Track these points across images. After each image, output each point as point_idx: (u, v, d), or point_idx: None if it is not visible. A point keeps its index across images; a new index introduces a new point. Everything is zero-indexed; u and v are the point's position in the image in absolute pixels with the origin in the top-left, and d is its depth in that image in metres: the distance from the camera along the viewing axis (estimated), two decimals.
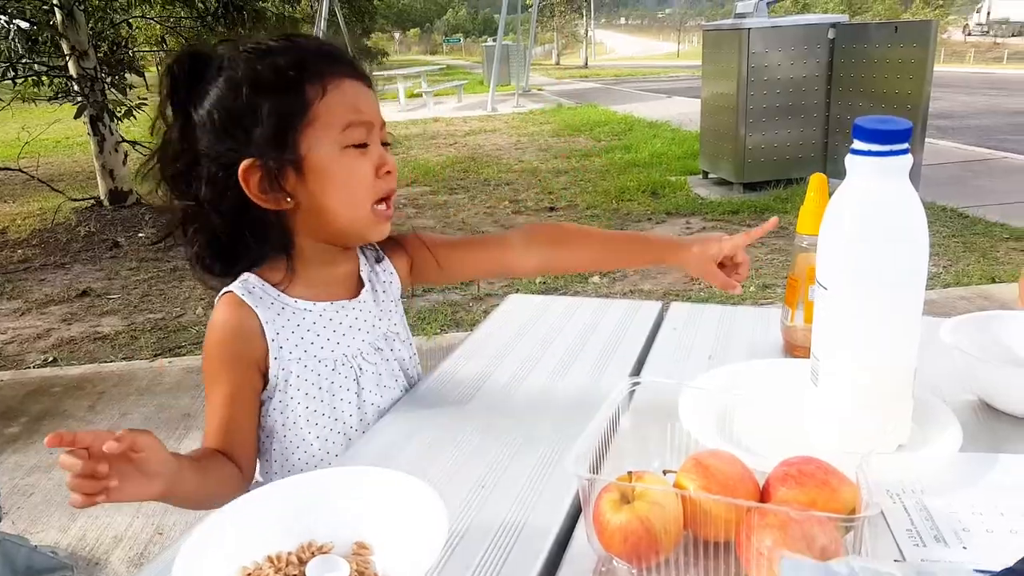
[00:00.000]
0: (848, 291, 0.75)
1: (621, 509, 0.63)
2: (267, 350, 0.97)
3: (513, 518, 0.74)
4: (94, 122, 6.40)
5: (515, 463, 0.85)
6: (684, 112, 11.16)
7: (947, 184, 6.15)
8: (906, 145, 0.72)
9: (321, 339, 1.01)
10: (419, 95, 15.94)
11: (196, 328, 3.88)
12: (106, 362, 3.48)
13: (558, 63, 37.56)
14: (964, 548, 0.67)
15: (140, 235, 5.85)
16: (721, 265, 1.10)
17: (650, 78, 22.81)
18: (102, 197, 6.70)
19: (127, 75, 6.55)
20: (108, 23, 6.96)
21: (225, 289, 0.99)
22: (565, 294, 4.14)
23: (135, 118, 6.24)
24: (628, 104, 13.95)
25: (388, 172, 0.97)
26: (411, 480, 0.68)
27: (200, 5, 6.71)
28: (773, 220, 1.10)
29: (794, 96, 6.08)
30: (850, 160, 0.74)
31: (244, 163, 0.92)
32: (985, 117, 11.60)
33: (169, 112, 0.96)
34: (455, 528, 0.73)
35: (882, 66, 5.69)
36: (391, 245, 1.14)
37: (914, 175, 0.77)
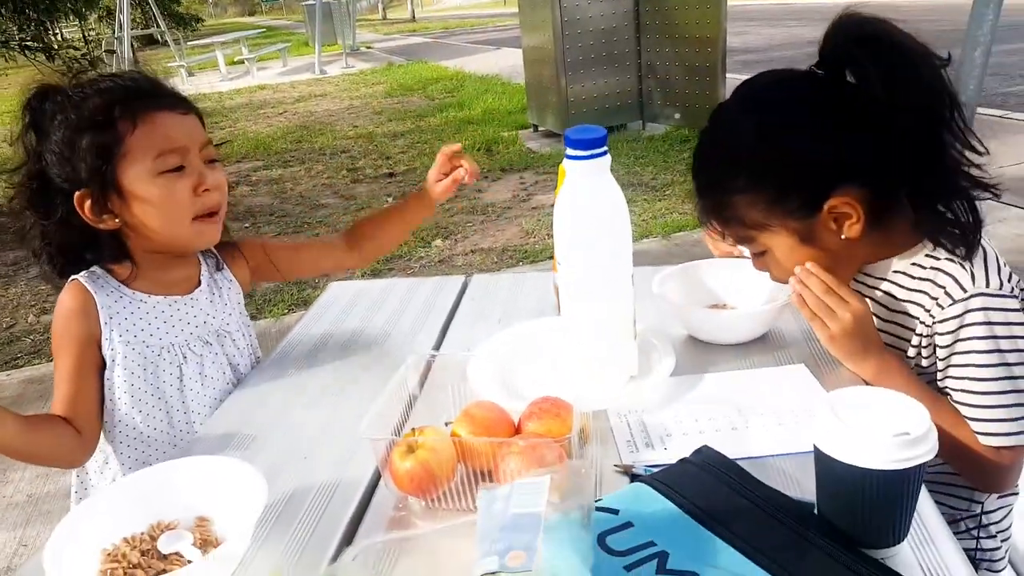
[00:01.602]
0: (573, 264, 0.97)
1: (407, 458, 0.82)
2: (101, 330, 1.13)
3: (330, 479, 0.92)
4: None
5: (332, 435, 1.02)
6: (513, 64, 11.37)
7: None
8: (604, 148, 0.93)
9: (151, 327, 1.17)
10: (241, 62, 15.21)
11: (31, 336, 3.71)
12: None
13: (384, 17, 36.73)
14: (665, 449, 0.91)
15: None
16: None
17: (478, 29, 22.87)
18: None
19: None
20: None
21: (72, 277, 1.15)
22: (410, 260, 4.29)
23: None
24: (458, 58, 14.01)
25: (207, 190, 1.13)
26: (236, 462, 0.84)
27: None
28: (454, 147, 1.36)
29: (607, 46, 6.41)
30: (565, 163, 0.95)
31: (77, 193, 1.08)
32: (786, 49, 12.55)
33: (31, 139, 1.11)
34: (283, 493, 0.89)
35: (682, 11, 6.12)
36: (231, 252, 1.31)
37: None
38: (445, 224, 4.80)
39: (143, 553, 0.80)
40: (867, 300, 1.06)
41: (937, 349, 0.98)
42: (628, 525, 0.69)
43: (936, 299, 0.97)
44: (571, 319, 1.02)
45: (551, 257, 0.98)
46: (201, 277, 1.25)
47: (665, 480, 0.76)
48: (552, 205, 0.98)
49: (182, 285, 1.22)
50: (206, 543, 0.82)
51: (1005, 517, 1.10)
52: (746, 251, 1.19)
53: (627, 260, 0.98)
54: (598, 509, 0.72)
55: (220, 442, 1.04)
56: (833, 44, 0.95)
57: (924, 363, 1.02)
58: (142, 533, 0.83)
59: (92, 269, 1.16)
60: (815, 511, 0.73)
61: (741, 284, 1.20)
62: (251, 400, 1.16)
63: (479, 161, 6.24)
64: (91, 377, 1.14)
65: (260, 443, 1.02)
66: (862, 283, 1.08)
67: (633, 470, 0.86)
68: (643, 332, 1.07)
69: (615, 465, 0.88)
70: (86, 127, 1.07)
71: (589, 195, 0.94)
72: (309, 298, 3.87)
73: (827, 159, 0.94)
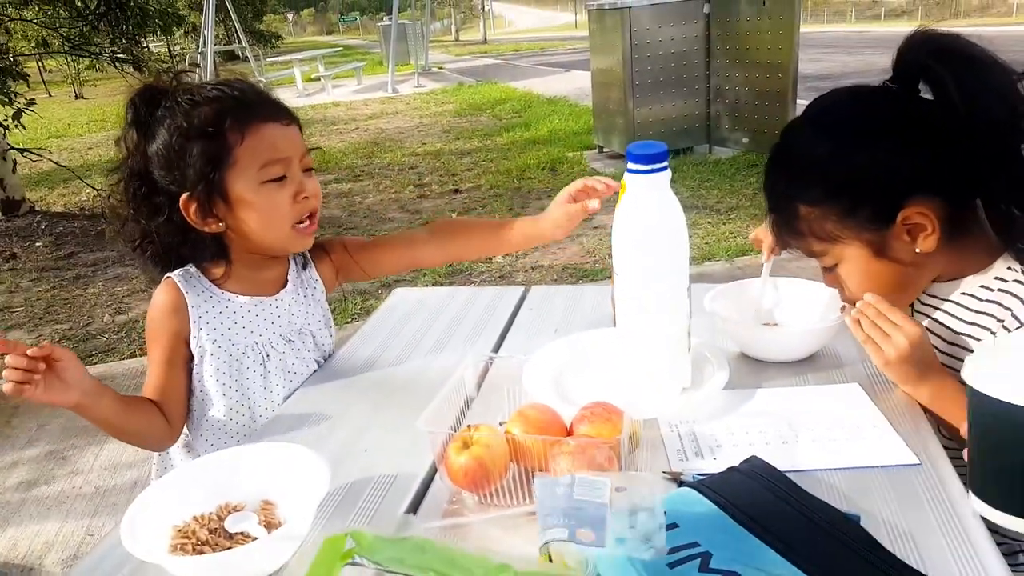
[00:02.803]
0: (630, 276, 0.99)
1: (462, 453, 0.85)
2: (190, 327, 1.20)
3: (388, 472, 0.96)
4: None
5: (392, 432, 1.06)
6: (580, 87, 11.48)
7: None
8: (665, 163, 0.96)
9: (237, 326, 1.23)
10: (317, 79, 15.73)
11: (106, 335, 3.91)
12: None
13: (457, 39, 37.46)
14: (715, 459, 0.92)
15: (38, 244, 5.74)
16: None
17: (548, 51, 23.11)
18: None
19: (10, 81, 6.31)
20: None
21: (167, 275, 1.23)
22: (471, 274, 4.36)
23: (23, 127, 6.08)
24: (527, 80, 14.19)
25: (305, 198, 1.19)
26: (301, 449, 0.89)
27: (80, 4, 6.53)
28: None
29: (676, 70, 6.43)
30: (626, 176, 0.98)
31: (183, 196, 1.15)
32: (861, 76, 12.26)
33: (132, 137, 1.17)
34: (344, 483, 0.94)
35: (754, 36, 6.09)
36: (317, 252, 1.37)
37: None
38: None
39: (211, 531, 0.85)
40: (931, 321, 1.06)
41: None
42: (673, 526, 0.71)
43: (1003, 321, 0.95)
44: (626, 330, 1.04)
45: (611, 276, 1.01)
46: (288, 277, 1.31)
47: (712, 486, 0.78)
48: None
49: (270, 285, 1.28)
50: (270, 525, 0.86)
51: None
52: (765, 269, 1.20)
53: (684, 273, 1.00)
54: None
55: (284, 436, 1.09)
56: (908, 58, 0.96)
57: None
58: (210, 513, 0.88)
59: (187, 268, 1.23)
60: (860, 523, 0.73)
61: (793, 303, 1.20)
62: (315, 397, 1.22)
63: (543, 180, 6.36)
64: (180, 369, 1.23)
65: (323, 437, 1.07)
66: (928, 304, 1.08)
67: (681, 477, 0.87)
68: (698, 346, 1.09)
69: (664, 472, 0.89)
70: (196, 135, 1.12)
71: (648, 208, 0.97)
72: (372, 308, 3.96)
73: (901, 170, 0.95)
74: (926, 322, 1.05)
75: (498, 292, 1.54)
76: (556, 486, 0.69)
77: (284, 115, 1.20)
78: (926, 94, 0.97)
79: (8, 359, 0.98)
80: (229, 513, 0.87)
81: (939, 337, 1.05)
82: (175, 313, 1.20)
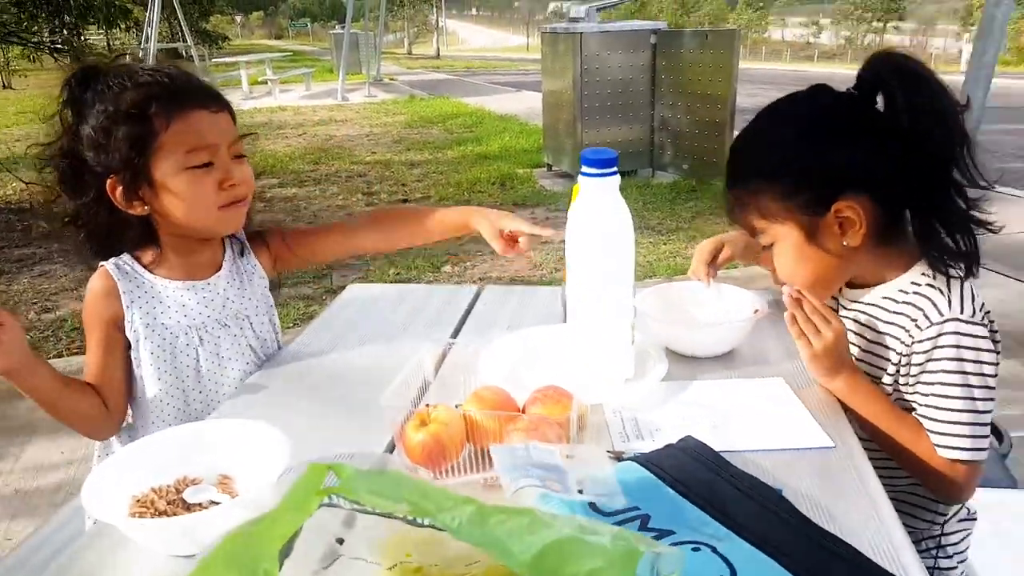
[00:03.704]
0: (579, 274, 1.07)
1: (420, 430, 0.90)
2: (123, 313, 1.23)
3: (347, 448, 1.00)
4: None
5: (349, 413, 1.11)
6: (531, 106, 11.66)
7: None
8: (615, 169, 1.04)
9: (170, 311, 1.26)
10: (264, 83, 15.55)
11: (31, 333, 3.76)
12: None
13: (410, 52, 37.50)
14: (653, 441, 0.99)
15: None
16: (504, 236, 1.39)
17: (500, 71, 23.36)
18: None
19: None
20: None
21: (101, 263, 1.25)
22: (419, 283, 4.39)
23: None
24: (479, 97, 14.32)
25: (232, 185, 1.21)
26: (260, 424, 0.91)
27: None
28: (549, 233, 1.36)
29: (623, 96, 6.64)
30: (580, 179, 1.05)
31: (109, 179, 1.17)
32: None
33: (67, 116, 1.19)
34: (303, 458, 0.97)
35: (696, 68, 6.35)
36: (255, 240, 1.40)
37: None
38: (455, 251, 4.91)
39: (169, 503, 0.87)
40: (854, 324, 1.16)
41: (911, 367, 1.08)
42: (616, 493, 0.78)
43: (915, 320, 1.06)
44: (576, 322, 1.11)
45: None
46: (224, 262, 1.33)
47: (650, 459, 0.85)
48: (562, 241, 1.09)
49: (204, 270, 1.30)
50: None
51: (963, 540, 1.18)
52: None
53: (630, 271, 1.08)
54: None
55: (240, 415, 1.12)
56: (871, 70, 1.06)
57: (901, 380, 1.11)
58: (168, 485, 0.89)
59: (120, 256, 1.25)
60: (782, 494, 0.81)
61: (725, 306, 1.32)
62: (269, 383, 1.24)
63: (493, 194, 6.45)
64: (117, 355, 1.25)
65: (278, 418, 1.07)
66: (851, 308, 1.18)
67: (623, 456, 0.95)
68: (640, 341, 1.17)
69: (608, 451, 0.96)
70: (123, 119, 1.13)
71: (599, 210, 1.05)
72: (315, 314, 3.94)
73: (842, 165, 1.05)
74: (850, 325, 1.16)
75: (453, 290, 1.60)
76: (514, 450, 0.76)
77: (214, 102, 1.21)
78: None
79: None
80: (187, 486, 0.89)
81: (862, 338, 1.15)
82: (107, 299, 1.23)
